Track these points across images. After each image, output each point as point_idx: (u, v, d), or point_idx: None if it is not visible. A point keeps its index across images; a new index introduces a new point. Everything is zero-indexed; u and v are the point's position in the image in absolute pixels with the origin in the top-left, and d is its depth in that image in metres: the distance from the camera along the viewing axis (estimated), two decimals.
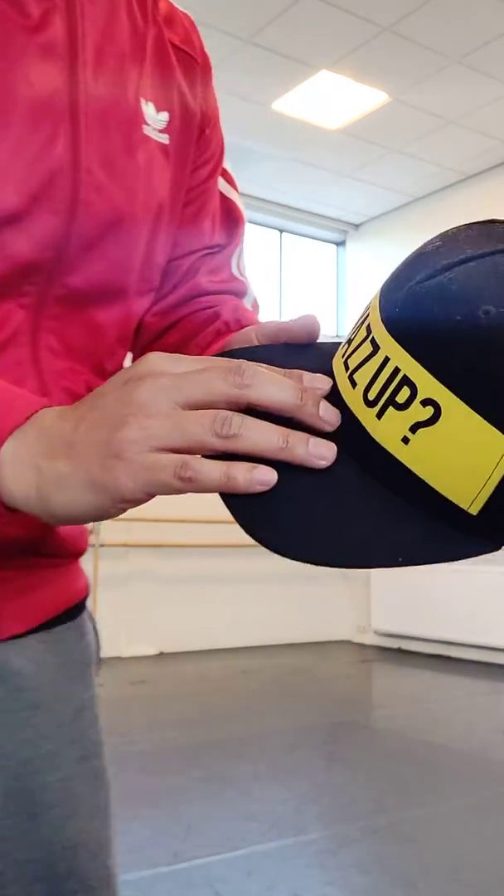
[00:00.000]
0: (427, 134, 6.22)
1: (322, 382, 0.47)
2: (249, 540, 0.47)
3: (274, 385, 0.45)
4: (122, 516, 0.50)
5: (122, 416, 0.44)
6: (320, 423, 0.45)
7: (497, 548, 0.43)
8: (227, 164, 0.88)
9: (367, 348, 0.45)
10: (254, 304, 0.86)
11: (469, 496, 0.41)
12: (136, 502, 0.45)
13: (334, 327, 8.25)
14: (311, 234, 8.11)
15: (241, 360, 0.45)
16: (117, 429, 0.44)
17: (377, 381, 0.43)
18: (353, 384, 0.45)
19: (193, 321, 0.80)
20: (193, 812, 2.94)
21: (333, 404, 0.46)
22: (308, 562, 0.42)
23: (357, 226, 8.10)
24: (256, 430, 0.44)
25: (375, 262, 7.95)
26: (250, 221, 8.21)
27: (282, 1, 4.71)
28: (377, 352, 0.43)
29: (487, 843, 2.77)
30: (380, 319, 0.44)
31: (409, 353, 0.41)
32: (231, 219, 0.87)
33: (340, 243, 8.29)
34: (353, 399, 0.44)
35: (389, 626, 7.18)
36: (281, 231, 7.97)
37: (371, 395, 0.43)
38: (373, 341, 0.44)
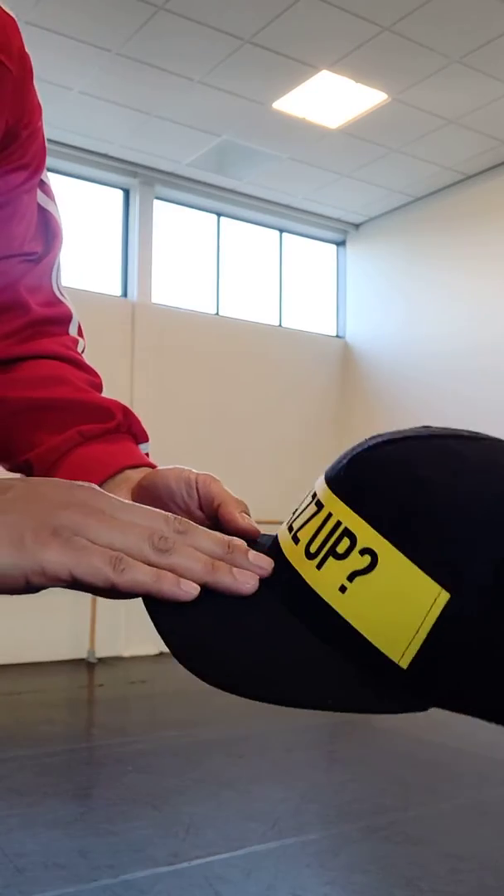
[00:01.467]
0: (427, 134, 6.22)
1: (265, 561, 0.47)
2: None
3: (207, 538, 0.47)
4: None
5: (65, 503, 0.45)
6: (249, 566, 0.46)
7: (424, 709, 0.42)
8: (46, 177, 0.85)
9: (311, 510, 0.47)
10: (78, 330, 0.85)
11: (400, 647, 0.42)
12: (52, 579, 0.43)
13: (334, 327, 8.25)
14: (311, 234, 8.11)
15: (181, 518, 0.47)
16: (59, 508, 0.44)
17: (319, 535, 0.45)
18: (296, 541, 0.47)
19: (36, 372, 0.77)
20: (193, 812, 2.94)
21: (276, 563, 0.47)
22: (220, 687, 0.42)
23: (357, 226, 8.10)
24: (189, 553, 0.45)
25: (375, 262, 7.95)
26: (250, 221, 8.24)
27: (282, 1, 4.71)
28: (321, 510, 0.46)
29: (487, 843, 2.77)
30: (324, 482, 0.47)
31: (350, 508, 0.44)
32: (48, 230, 0.86)
33: (340, 243, 8.29)
34: (294, 554, 0.46)
35: None
36: (281, 231, 7.97)
37: (312, 549, 0.45)
38: (317, 503, 0.47)
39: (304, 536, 0.46)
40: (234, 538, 0.48)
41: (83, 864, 2.47)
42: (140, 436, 0.74)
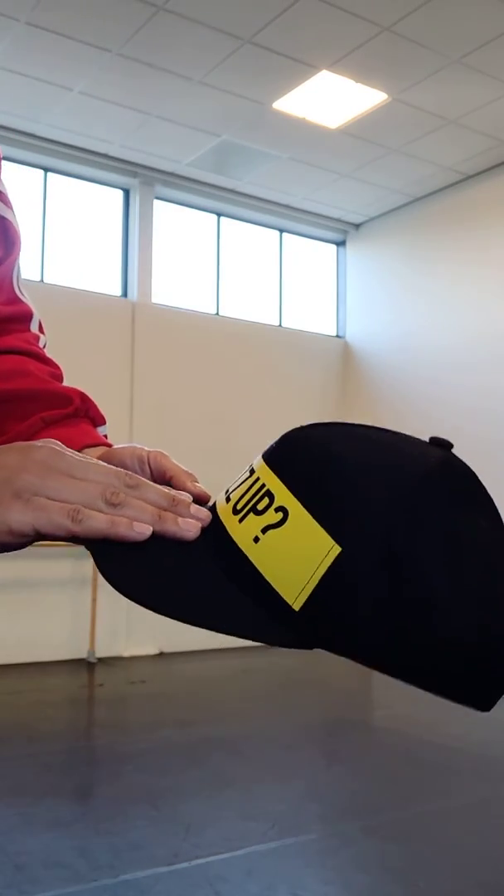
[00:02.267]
0: (427, 134, 6.22)
1: (204, 514, 0.54)
2: None
3: (155, 492, 0.53)
4: None
5: (23, 466, 0.51)
6: (192, 517, 0.53)
7: (309, 647, 0.50)
8: (2, 186, 0.89)
9: (244, 476, 0.55)
10: (39, 326, 0.90)
11: (295, 591, 0.49)
12: (18, 536, 0.50)
13: (334, 327, 8.25)
14: (311, 234, 8.11)
15: (131, 473, 0.54)
16: (18, 472, 0.50)
17: (245, 495, 0.53)
18: (228, 500, 0.55)
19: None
20: (193, 812, 2.94)
21: (214, 524, 0.54)
22: (140, 604, 0.50)
23: (357, 226, 8.11)
24: (138, 504, 0.51)
25: (375, 262, 7.95)
26: (250, 221, 8.24)
27: (282, 1, 4.72)
28: (252, 475, 0.54)
29: (487, 842, 2.77)
30: (260, 456, 0.55)
31: (273, 472, 0.52)
32: (7, 237, 0.90)
33: (340, 243, 8.29)
34: (223, 510, 0.54)
35: None
36: (281, 231, 7.97)
37: (239, 506, 0.53)
38: (251, 470, 0.55)
39: (235, 497, 0.54)
40: (180, 493, 0.55)
41: (83, 864, 2.47)
42: (97, 419, 0.80)
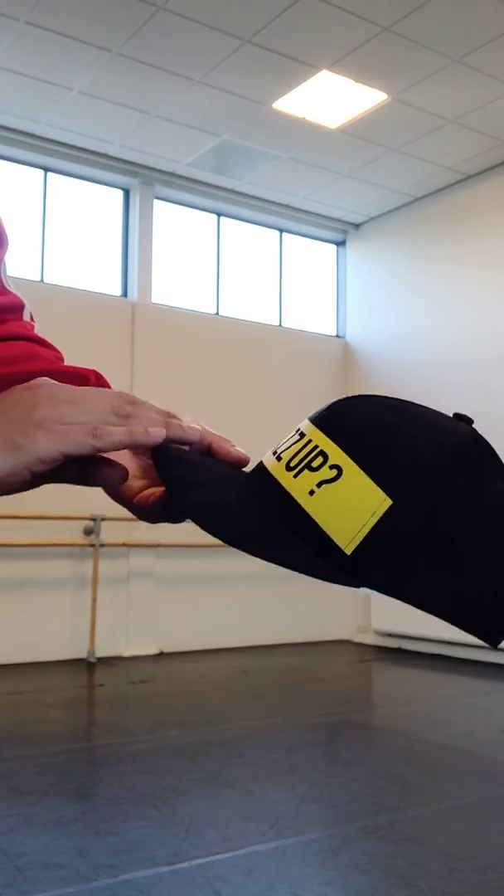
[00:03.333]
0: (427, 134, 6.22)
1: (198, 426, 0.62)
2: None
3: (151, 407, 0.58)
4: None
5: (35, 401, 0.55)
6: (188, 427, 0.60)
7: (358, 586, 0.56)
8: None
9: (294, 438, 0.61)
10: (31, 317, 0.91)
11: (348, 537, 0.55)
12: (49, 463, 0.53)
13: (334, 327, 8.25)
14: (311, 234, 8.11)
15: (127, 394, 0.59)
16: (34, 408, 0.54)
17: (298, 454, 0.59)
18: (279, 459, 0.60)
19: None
20: (193, 812, 2.94)
21: (260, 475, 0.61)
22: (215, 535, 0.55)
23: (357, 226, 8.10)
24: (145, 414, 0.57)
25: (375, 262, 7.95)
26: (250, 221, 8.23)
27: (282, 1, 4.71)
28: (302, 437, 0.60)
29: (487, 843, 2.77)
30: (308, 420, 0.61)
31: (327, 435, 0.58)
32: None
33: (340, 243, 8.29)
34: (276, 468, 0.60)
35: (389, 626, 7.18)
36: (281, 231, 7.97)
37: (292, 464, 0.59)
38: (300, 433, 0.61)
39: (287, 456, 0.60)
40: (172, 412, 0.61)
41: (83, 864, 2.47)
42: None
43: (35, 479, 0.55)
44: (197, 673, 5.98)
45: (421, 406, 0.61)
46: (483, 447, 0.58)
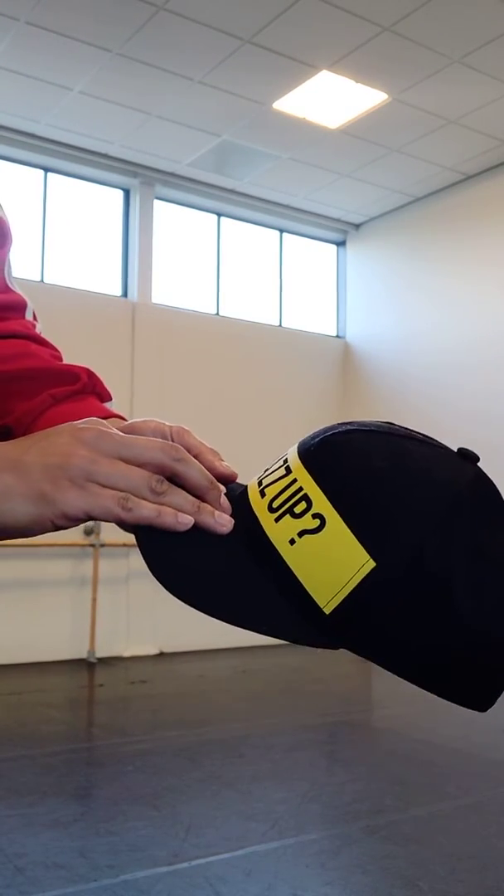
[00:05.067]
0: (427, 134, 6.22)
1: (228, 505, 0.57)
2: None
3: (196, 470, 0.56)
4: None
5: (74, 450, 0.53)
6: (220, 507, 0.56)
7: (334, 647, 0.53)
8: None
9: (280, 472, 0.56)
10: (34, 316, 0.91)
11: (327, 597, 0.51)
12: (72, 521, 0.52)
13: (334, 328, 8.25)
14: (311, 234, 8.11)
15: (177, 447, 0.56)
16: (69, 458, 0.52)
17: (282, 494, 0.54)
18: (263, 495, 0.56)
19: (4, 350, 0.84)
20: (193, 812, 2.94)
21: (243, 509, 0.56)
22: (184, 601, 0.53)
23: (357, 226, 8.10)
24: (179, 494, 0.54)
25: (375, 262, 7.95)
26: (250, 221, 8.23)
27: (282, 1, 4.71)
28: (288, 474, 0.55)
29: (487, 843, 2.77)
30: (296, 453, 0.56)
31: (313, 479, 0.53)
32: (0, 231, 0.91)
33: (340, 243, 8.29)
34: (259, 505, 0.56)
35: None
36: (281, 231, 7.97)
37: (275, 504, 0.55)
38: (287, 468, 0.56)
39: (270, 493, 0.56)
40: (214, 480, 0.57)
41: (83, 864, 2.47)
42: (104, 395, 0.81)
43: (56, 528, 0.54)
44: (197, 673, 5.98)
45: (422, 445, 0.55)
46: (485, 493, 0.53)
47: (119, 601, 6.62)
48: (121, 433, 0.55)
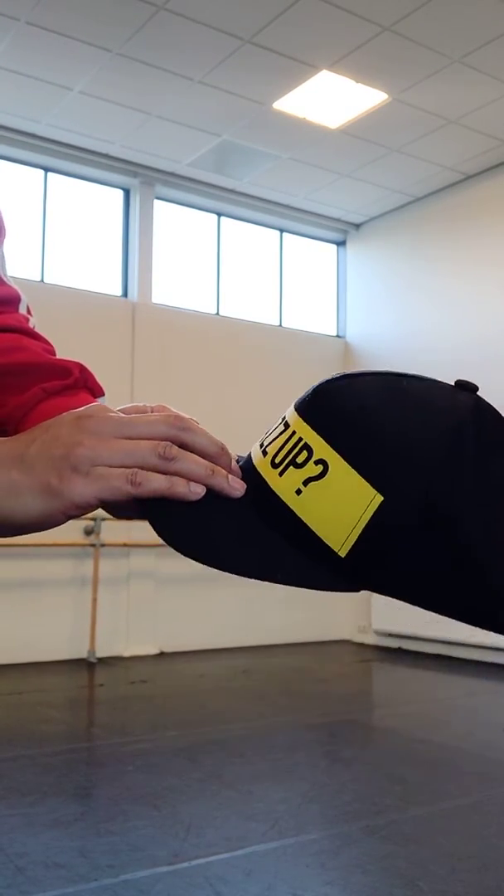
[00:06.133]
0: (427, 134, 6.22)
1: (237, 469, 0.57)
2: None
3: (204, 436, 0.55)
4: None
5: (76, 440, 0.52)
6: (231, 471, 0.56)
7: (355, 590, 0.53)
8: None
9: (279, 429, 0.57)
10: (28, 310, 0.91)
11: (340, 539, 0.51)
12: (84, 509, 0.52)
13: (334, 327, 8.25)
14: (311, 234, 8.11)
15: (180, 416, 0.56)
16: (73, 448, 0.52)
17: (283, 449, 0.55)
18: (265, 454, 0.56)
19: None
20: (193, 812, 2.94)
21: (247, 471, 0.56)
22: (194, 559, 0.52)
23: (357, 226, 8.10)
24: (191, 458, 0.53)
25: (375, 262, 7.95)
26: (250, 221, 8.22)
27: (282, 1, 4.71)
28: (287, 429, 0.56)
29: (487, 843, 2.77)
30: (293, 408, 0.56)
31: (310, 426, 0.54)
32: None
33: (340, 243, 8.29)
34: (262, 464, 0.56)
35: (389, 626, 7.18)
36: (281, 231, 7.97)
37: (277, 460, 0.55)
38: (285, 423, 0.56)
39: (272, 450, 0.56)
40: (223, 445, 0.57)
41: (83, 864, 2.47)
42: (96, 390, 0.81)
43: (70, 519, 0.53)
44: (197, 673, 5.98)
45: (417, 380, 0.55)
46: (486, 420, 0.52)
47: (119, 601, 6.62)
48: (121, 415, 0.55)
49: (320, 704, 5.06)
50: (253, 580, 0.54)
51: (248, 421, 7.38)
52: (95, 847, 2.61)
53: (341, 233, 8.19)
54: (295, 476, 0.53)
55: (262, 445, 0.57)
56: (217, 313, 7.52)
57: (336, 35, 5.03)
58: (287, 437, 0.55)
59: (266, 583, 0.53)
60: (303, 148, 6.49)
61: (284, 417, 0.57)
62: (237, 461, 0.58)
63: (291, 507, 0.53)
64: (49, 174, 6.76)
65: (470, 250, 6.99)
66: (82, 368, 0.81)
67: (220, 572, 0.56)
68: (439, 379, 0.55)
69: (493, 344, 6.67)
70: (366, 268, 8.05)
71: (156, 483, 0.51)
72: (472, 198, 6.97)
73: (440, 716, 4.77)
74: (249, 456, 0.59)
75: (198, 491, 0.52)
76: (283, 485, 0.53)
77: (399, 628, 7.06)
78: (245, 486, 0.55)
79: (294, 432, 0.55)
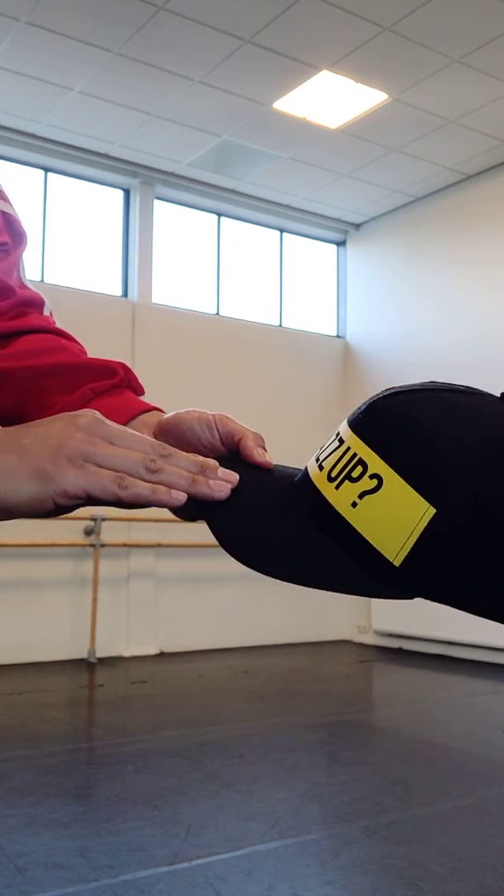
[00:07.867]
0: (427, 134, 6.22)
1: (232, 476, 0.60)
2: None
3: (185, 459, 0.58)
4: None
5: (71, 433, 0.55)
6: (221, 479, 0.59)
7: (411, 597, 0.56)
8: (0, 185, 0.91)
9: (334, 444, 0.60)
10: (51, 313, 0.94)
11: (395, 549, 0.54)
12: (72, 498, 0.54)
13: (334, 327, 8.25)
14: (311, 234, 8.11)
15: (163, 444, 0.59)
16: (68, 440, 0.55)
17: (338, 464, 0.58)
18: (321, 468, 0.60)
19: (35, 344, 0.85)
20: (193, 812, 2.94)
21: (305, 485, 0.60)
22: (258, 570, 0.55)
23: (357, 226, 8.10)
24: (174, 470, 0.57)
25: (376, 262, 7.95)
26: (250, 221, 8.23)
27: (282, 1, 4.71)
28: (341, 445, 0.59)
29: (487, 843, 2.77)
30: (346, 424, 0.60)
31: (364, 443, 0.57)
32: (13, 229, 0.93)
33: (340, 243, 8.29)
34: (318, 478, 0.59)
35: (389, 626, 7.18)
36: (281, 231, 7.97)
37: (333, 474, 0.58)
38: (340, 439, 0.60)
39: (328, 465, 0.59)
40: (208, 459, 0.60)
41: (83, 864, 2.47)
42: (138, 389, 0.85)
43: (58, 509, 0.55)
44: (197, 673, 5.98)
45: (465, 393, 0.58)
46: None
47: (119, 601, 6.62)
48: (113, 423, 0.58)
49: (320, 705, 5.06)
50: (281, 581, 0.56)
51: (249, 421, 7.34)
52: (95, 847, 2.61)
53: (341, 233, 8.19)
54: (351, 490, 0.56)
55: (318, 460, 0.61)
56: (217, 313, 7.52)
57: (336, 35, 5.03)
58: (342, 452, 0.59)
59: (264, 582, 0.56)
60: (303, 148, 6.49)
61: (339, 433, 0.61)
62: (289, 477, 0.63)
63: (348, 519, 0.56)
64: (49, 174, 6.76)
65: (470, 250, 6.99)
66: (126, 368, 0.83)
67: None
68: (485, 391, 0.58)
69: (493, 344, 6.67)
70: (366, 268, 8.05)
71: (140, 489, 0.55)
72: (473, 198, 6.97)
73: (440, 716, 4.76)
74: (306, 470, 0.62)
75: (179, 498, 0.56)
76: (340, 498, 0.57)
77: (399, 628, 7.06)
78: (229, 486, 0.59)
79: (349, 448, 0.58)
